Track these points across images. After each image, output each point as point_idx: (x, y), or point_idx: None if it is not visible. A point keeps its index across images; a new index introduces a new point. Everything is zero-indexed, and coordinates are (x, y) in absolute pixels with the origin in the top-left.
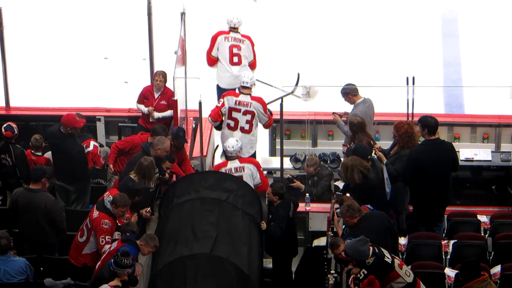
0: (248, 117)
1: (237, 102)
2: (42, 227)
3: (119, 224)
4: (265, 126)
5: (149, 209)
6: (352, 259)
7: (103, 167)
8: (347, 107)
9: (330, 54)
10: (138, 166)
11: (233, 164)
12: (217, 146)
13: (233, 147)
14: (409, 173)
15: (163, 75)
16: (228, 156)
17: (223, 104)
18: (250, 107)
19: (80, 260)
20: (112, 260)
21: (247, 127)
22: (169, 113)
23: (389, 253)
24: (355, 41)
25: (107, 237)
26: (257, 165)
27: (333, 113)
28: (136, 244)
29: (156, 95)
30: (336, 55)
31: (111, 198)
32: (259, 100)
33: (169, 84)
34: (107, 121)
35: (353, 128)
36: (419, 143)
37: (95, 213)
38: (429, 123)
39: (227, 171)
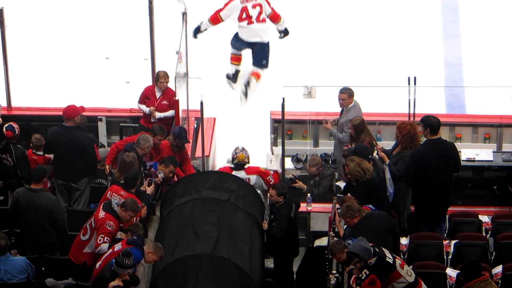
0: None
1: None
2: (43, 227)
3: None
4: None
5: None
6: (357, 259)
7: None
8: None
9: (331, 54)
10: (121, 163)
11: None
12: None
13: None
14: (411, 173)
15: (167, 76)
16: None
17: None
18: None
19: (80, 258)
20: (114, 260)
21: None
22: (170, 113)
23: (391, 253)
24: (357, 41)
25: (105, 238)
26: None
27: (324, 121)
28: (142, 249)
29: (157, 95)
30: (337, 55)
31: (119, 200)
32: None
33: (170, 84)
34: (108, 121)
35: (356, 129)
36: (421, 143)
37: (101, 213)
38: (431, 122)
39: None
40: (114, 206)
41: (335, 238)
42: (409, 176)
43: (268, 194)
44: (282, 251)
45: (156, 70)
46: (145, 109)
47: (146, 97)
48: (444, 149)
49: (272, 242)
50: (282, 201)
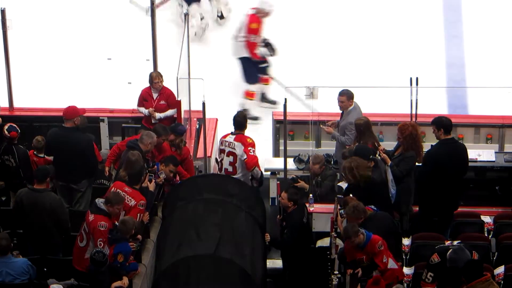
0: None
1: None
2: (47, 227)
3: (116, 223)
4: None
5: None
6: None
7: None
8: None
9: (333, 55)
10: (126, 162)
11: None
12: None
13: None
14: (426, 174)
15: (161, 75)
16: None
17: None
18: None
19: (83, 264)
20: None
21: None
22: (170, 112)
23: None
24: (359, 41)
25: (104, 239)
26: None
27: (326, 124)
28: (124, 239)
29: (154, 96)
30: (339, 56)
31: (103, 199)
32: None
33: (172, 85)
34: (110, 121)
35: (360, 129)
36: (437, 142)
37: (91, 217)
38: (444, 122)
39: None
40: (100, 205)
41: (337, 239)
42: (422, 176)
43: (279, 197)
44: (294, 257)
45: (159, 71)
46: (144, 111)
47: (144, 99)
48: (460, 149)
49: (284, 249)
50: (293, 207)
